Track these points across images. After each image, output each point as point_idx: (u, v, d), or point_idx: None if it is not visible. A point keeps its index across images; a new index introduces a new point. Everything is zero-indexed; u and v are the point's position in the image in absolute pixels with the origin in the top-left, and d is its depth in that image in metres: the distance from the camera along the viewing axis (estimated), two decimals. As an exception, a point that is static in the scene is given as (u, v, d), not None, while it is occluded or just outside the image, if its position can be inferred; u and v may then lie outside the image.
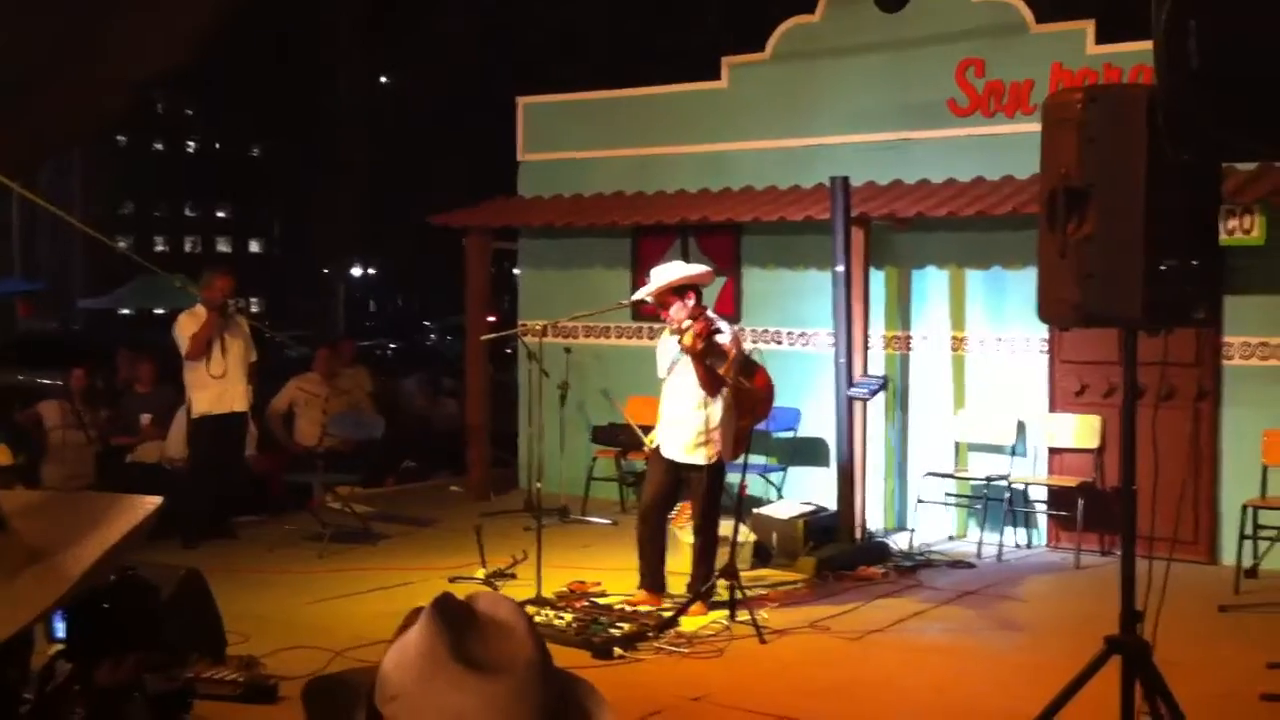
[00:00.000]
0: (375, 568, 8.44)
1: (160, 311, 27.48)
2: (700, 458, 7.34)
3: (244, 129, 50.66)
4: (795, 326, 10.40)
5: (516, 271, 12.67)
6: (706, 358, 7.23)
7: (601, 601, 7.45)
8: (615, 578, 7.90)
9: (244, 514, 9.87)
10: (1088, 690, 4.34)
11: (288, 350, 14.78)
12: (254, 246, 56.85)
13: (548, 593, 7.42)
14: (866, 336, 9.41)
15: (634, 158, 11.22)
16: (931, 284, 9.86)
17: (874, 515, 9.60)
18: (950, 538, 9.61)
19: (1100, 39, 9.18)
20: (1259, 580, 8.08)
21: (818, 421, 9.97)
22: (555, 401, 10.07)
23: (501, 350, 14.17)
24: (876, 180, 9.88)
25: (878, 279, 9.75)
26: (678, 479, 7.54)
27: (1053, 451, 9.41)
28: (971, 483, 9.53)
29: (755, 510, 8.87)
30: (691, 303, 7.37)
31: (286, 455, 10.89)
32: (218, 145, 54.71)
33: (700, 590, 7.29)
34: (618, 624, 6.93)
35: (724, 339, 7.28)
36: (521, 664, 1.43)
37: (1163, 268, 4.15)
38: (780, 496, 9.79)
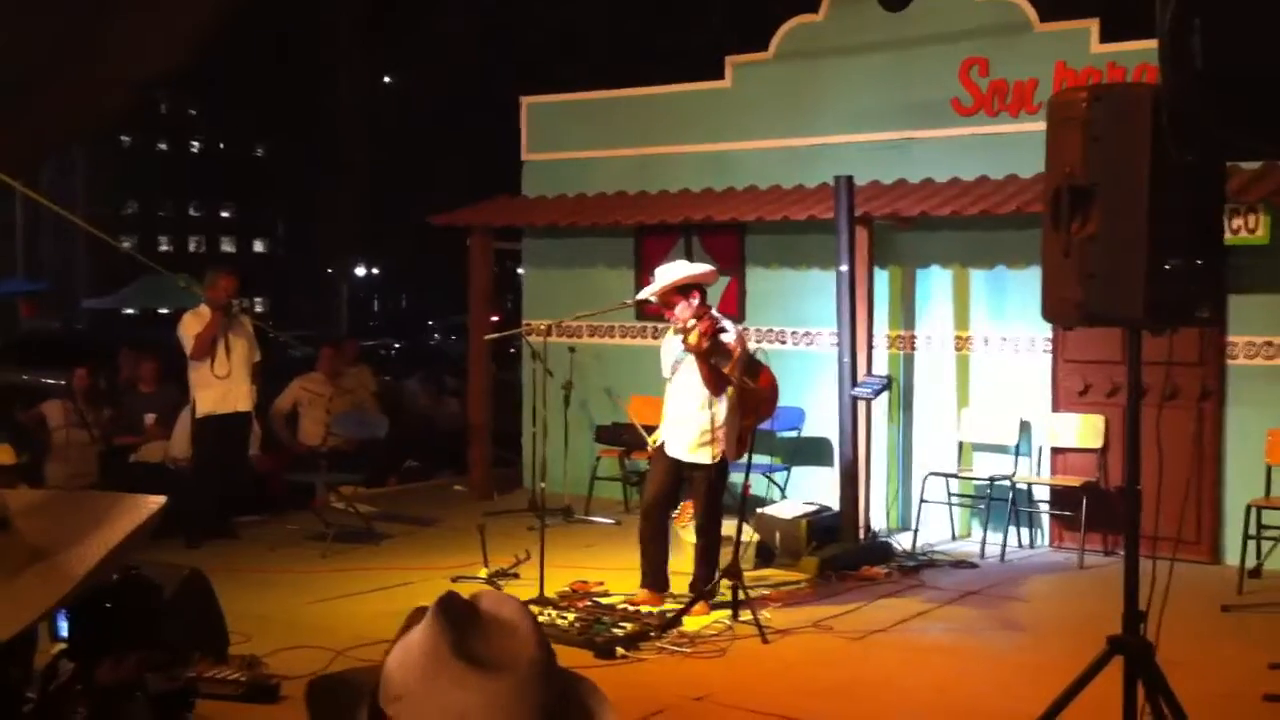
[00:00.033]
0: (378, 567, 8.44)
1: (165, 311, 27.51)
2: (704, 457, 7.34)
3: (247, 129, 50.73)
4: (799, 326, 10.40)
5: (520, 271, 12.67)
6: (711, 357, 7.24)
7: (604, 601, 7.45)
8: (618, 577, 7.90)
9: (245, 514, 9.88)
10: (1090, 690, 4.34)
11: (291, 350, 14.76)
12: (258, 246, 56.95)
13: (550, 592, 7.41)
14: (870, 336, 9.40)
15: (638, 157, 11.22)
16: (935, 283, 9.86)
17: (877, 515, 9.60)
18: (953, 537, 9.61)
19: (1104, 38, 9.17)
20: (1262, 580, 8.07)
21: (821, 421, 9.97)
22: (559, 401, 10.07)
23: (504, 349, 14.18)
24: (880, 179, 9.88)
25: (881, 278, 9.75)
26: (680, 478, 7.54)
27: (1056, 451, 9.40)
28: (975, 482, 9.52)
29: (758, 510, 8.86)
30: (696, 302, 7.37)
31: (288, 455, 10.89)
32: (222, 145, 54.81)
33: (703, 590, 7.29)
34: (620, 624, 6.92)
35: (728, 338, 7.28)
36: (524, 663, 1.43)
37: (1167, 267, 4.14)
38: (783, 496, 9.79)
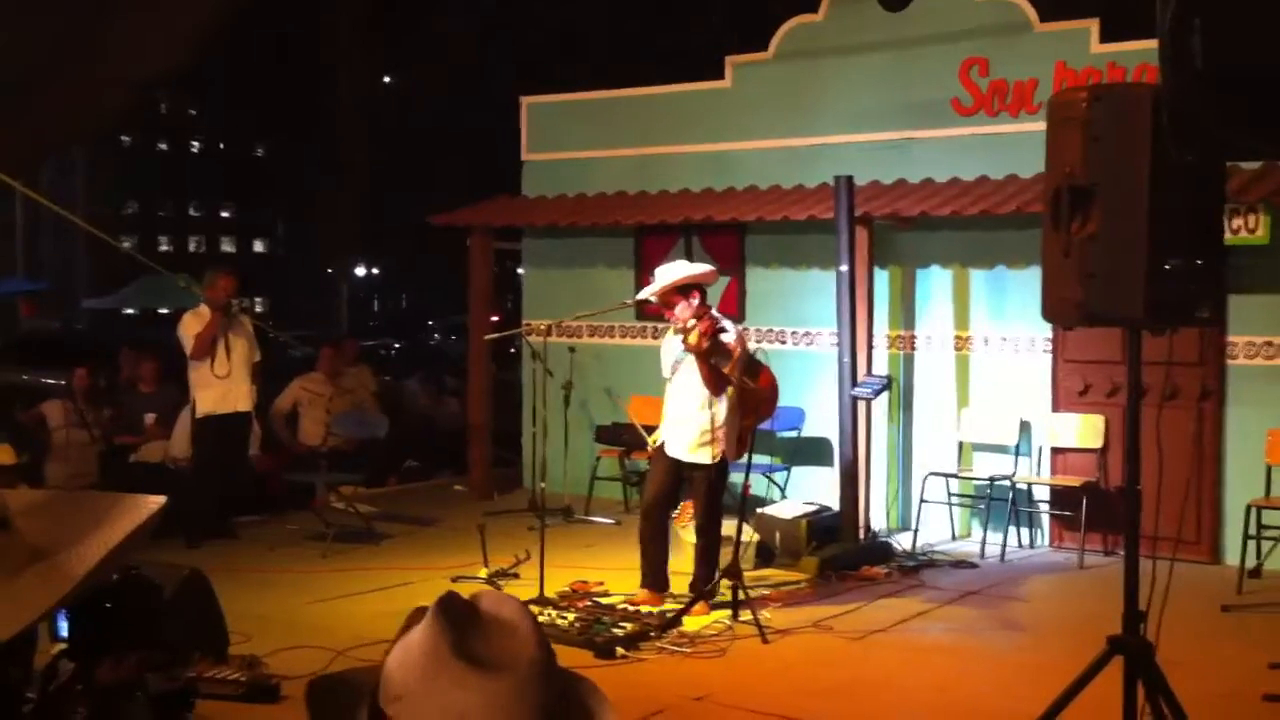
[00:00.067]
0: (378, 567, 8.44)
1: (165, 311, 27.51)
2: (704, 457, 7.34)
3: (247, 129, 50.75)
4: (799, 326, 10.40)
5: (520, 271, 12.68)
6: (711, 357, 7.24)
7: (604, 601, 7.45)
8: (618, 577, 7.90)
9: (245, 514, 9.88)
10: (1090, 690, 4.34)
11: (291, 350, 14.76)
12: (258, 246, 56.95)
13: (550, 592, 7.41)
14: (870, 336, 9.40)
15: (638, 157, 11.22)
16: (935, 283, 9.86)
17: (877, 515, 9.60)
18: (953, 538, 9.61)
19: (1104, 38, 9.17)
20: (1262, 580, 8.07)
21: (821, 421, 9.97)
22: (559, 401, 10.07)
23: (504, 349, 14.18)
24: (880, 179, 9.88)
25: (881, 278, 9.74)
26: (680, 477, 7.54)
27: (1056, 451, 9.40)
28: (975, 482, 9.52)
29: (758, 510, 8.86)
30: (696, 302, 7.37)
31: (288, 455, 10.89)
32: (222, 145, 54.84)
33: (703, 590, 7.29)
34: (620, 624, 6.93)
35: (729, 338, 7.28)
36: (525, 662, 1.43)
37: (1167, 267, 4.14)
38: (783, 496, 9.79)
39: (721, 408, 7.31)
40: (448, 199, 13.69)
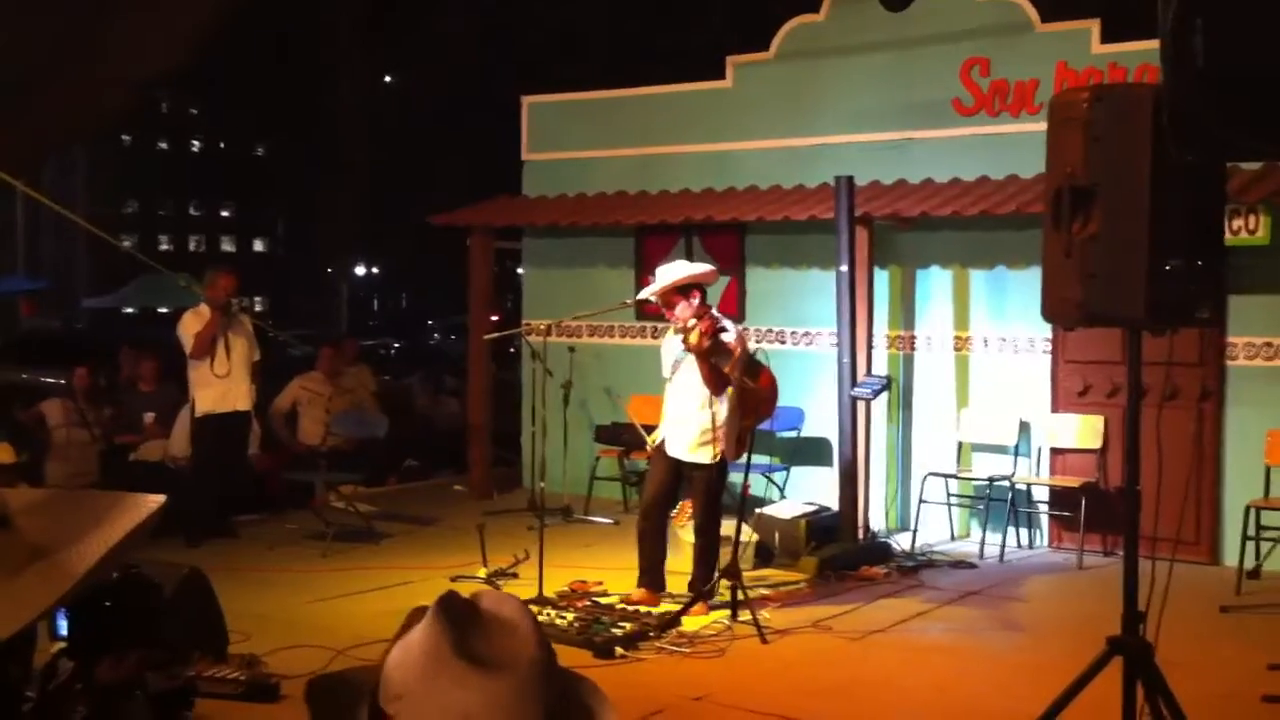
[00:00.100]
0: (377, 567, 8.43)
1: (165, 310, 27.53)
2: (703, 456, 7.34)
3: (247, 129, 50.77)
4: (798, 326, 10.40)
5: (520, 271, 12.67)
6: (711, 357, 7.24)
7: (603, 601, 7.45)
8: (617, 577, 7.89)
9: (245, 513, 9.88)
10: (1090, 691, 4.34)
11: (291, 349, 14.76)
12: (258, 246, 56.98)
13: (549, 592, 7.41)
14: (870, 336, 9.40)
15: (638, 157, 11.22)
16: (935, 284, 9.85)
17: (876, 515, 9.60)
18: (952, 538, 9.61)
19: (1105, 38, 9.17)
20: (1261, 581, 8.07)
21: (820, 421, 9.96)
22: (558, 400, 10.07)
23: (504, 349, 14.18)
24: (880, 179, 9.88)
25: (881, 278, 9.74)
26: (680, 477, 7.54)
27: (1055, 452, 9.40)
28: (974, 483, 9.52)
29: (758, 510, 8.86)
30: (696, 302, 7.37)
31: (287, 454, 10.89)
32: (222, 145, 54.86)
33: (702, 590, 7.28)
34: (619, 623, 6.92)
35: (729, 338, 7.28)
36: (525, 662, 1.43)
37: (1167, 267, 4.14)
38: (783, 496, 9.79)
39: (721, 408, 7.30)
40: (448, 199, 13.69)
